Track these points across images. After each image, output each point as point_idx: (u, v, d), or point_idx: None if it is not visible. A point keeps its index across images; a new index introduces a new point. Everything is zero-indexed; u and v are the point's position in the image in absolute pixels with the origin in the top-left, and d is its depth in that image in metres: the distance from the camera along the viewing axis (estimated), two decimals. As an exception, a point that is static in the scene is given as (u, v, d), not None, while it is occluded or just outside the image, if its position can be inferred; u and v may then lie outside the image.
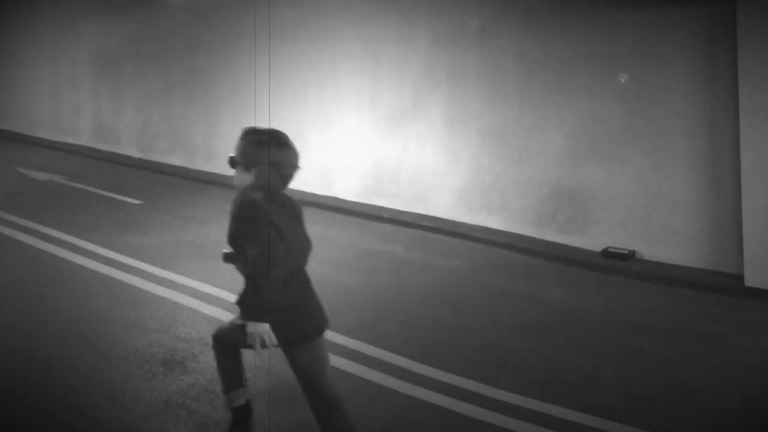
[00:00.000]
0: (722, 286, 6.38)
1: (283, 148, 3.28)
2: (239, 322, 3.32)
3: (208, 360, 4.65)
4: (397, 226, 8.44)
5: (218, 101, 11.05)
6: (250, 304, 3.17)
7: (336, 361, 4.71)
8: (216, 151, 10.92)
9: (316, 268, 6.43)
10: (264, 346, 3.14)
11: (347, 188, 9.46)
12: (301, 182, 10.02)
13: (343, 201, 9.35)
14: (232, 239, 3.25)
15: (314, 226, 8.01)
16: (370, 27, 9.18)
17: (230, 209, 3.27)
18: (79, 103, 13.93)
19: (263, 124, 3.62)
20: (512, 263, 7.16)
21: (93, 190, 10.07)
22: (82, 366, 4.56)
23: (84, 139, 13.77)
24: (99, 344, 4.92)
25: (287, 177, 3.31)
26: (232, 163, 3.34)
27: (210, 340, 3.71)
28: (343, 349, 4.93)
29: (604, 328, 5.48)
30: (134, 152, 12.64)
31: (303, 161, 3.36)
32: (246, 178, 3.29)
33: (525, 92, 7.85)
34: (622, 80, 7.08)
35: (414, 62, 8.78)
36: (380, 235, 8.10)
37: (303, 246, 3.37)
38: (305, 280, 3.39)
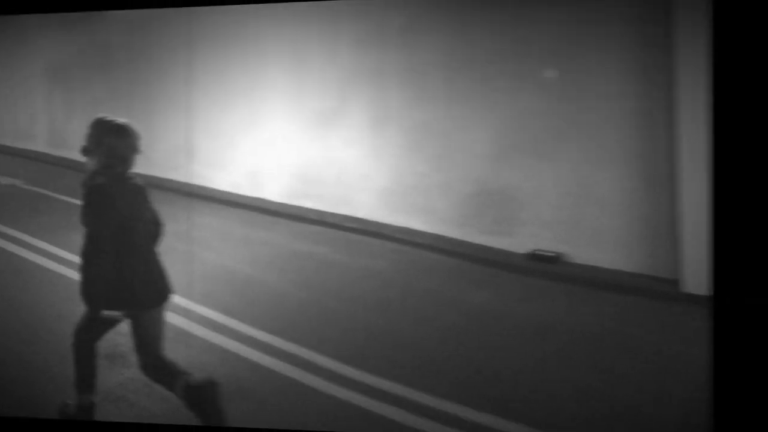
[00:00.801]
0: (656, 291, 6.24)
1: (120, 132, 3.89)
2: (89, 314, 3.88)
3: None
4: (324, 227, 8.45)
5: (155, 107, 10.98)
6: (91, 299, 3.76)
7: (264, 360, 5.02)
8: (155, 154, 10.92)
9: (245, 269, 6.88)
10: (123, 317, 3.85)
11: (276, 190, 9.42)
12: (232, 184, 10.26)
13: (272, 203, 9.32)
14: (84, 222, 3.76)
15: (244, 228, 8.51)
16: (296, 31, 9.23)
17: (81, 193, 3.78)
18: (35, 111, 14.14)
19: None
20: (436, 265, 7.12)
21: (50, 194, 10.35)
22: (33, 360, 5.01)
23: (39, 145, 13.93)
24: (52, 339, 5.28)
25: (126, 159, 3.91)
26: (83, 150, 3.93)
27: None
28: (267, 346, 5.18)
29: (527, 333, 5.45)
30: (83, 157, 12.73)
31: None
32: (93, 163, 3.88)
33: (450, 91, 7.81)
34: (549, 76, 7.02)
35: (338, 63, 8.80)
36: (308, 236, 8.14)
37: (151, 224, 3.95)
38: (154, 255, 3.95)
